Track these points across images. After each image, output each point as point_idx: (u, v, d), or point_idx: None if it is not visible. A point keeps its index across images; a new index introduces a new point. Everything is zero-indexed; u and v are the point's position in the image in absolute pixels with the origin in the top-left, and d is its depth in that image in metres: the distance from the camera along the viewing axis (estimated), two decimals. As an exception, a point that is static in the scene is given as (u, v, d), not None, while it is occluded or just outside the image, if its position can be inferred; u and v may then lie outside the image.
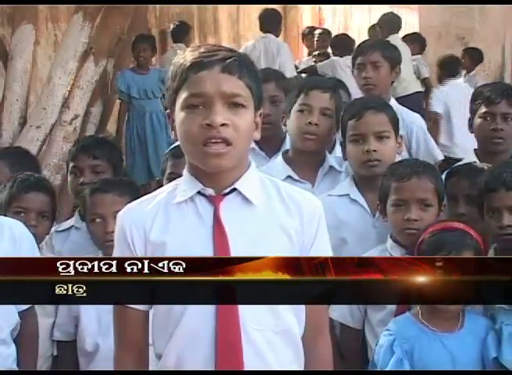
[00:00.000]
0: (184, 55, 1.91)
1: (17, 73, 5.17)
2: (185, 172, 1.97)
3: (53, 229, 3.29)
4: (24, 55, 5.21)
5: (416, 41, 8.58)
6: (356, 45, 4.51)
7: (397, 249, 2.76)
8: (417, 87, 7.92)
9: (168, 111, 1.97)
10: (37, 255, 2.79)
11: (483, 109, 3.26)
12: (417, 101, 7.71)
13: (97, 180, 3.13)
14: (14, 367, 2.63)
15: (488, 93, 3.29)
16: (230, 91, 1.86)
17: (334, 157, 3.27)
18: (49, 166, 4.99)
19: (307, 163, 3.14)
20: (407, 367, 2.47)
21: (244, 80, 1.88)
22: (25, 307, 2.69)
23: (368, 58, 4.00)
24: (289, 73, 7.15)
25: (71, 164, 3.30)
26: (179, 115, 1.89)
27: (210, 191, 1.91)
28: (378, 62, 3.98)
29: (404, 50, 7.96)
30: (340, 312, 2.82)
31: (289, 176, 3.09)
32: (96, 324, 2.87)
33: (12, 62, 5.21)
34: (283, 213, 1.94)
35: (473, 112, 3.34)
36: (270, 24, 7.55)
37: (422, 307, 2.56)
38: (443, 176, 3.00)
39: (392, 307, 2.70)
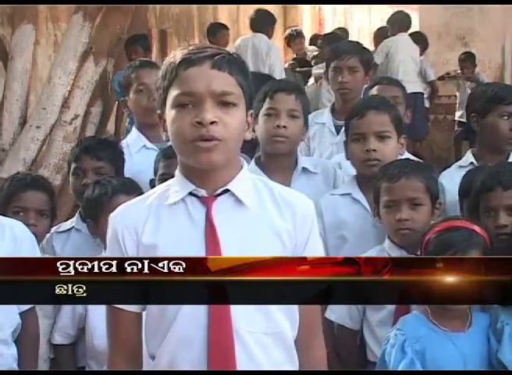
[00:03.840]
0: (174, 54, 1.91)
1: (17, 73, 5.17)
2: (177, 173, 1.96)
3: (53, 229, 3.28)
4: (24, 55, 5.20)
5: (419, 41, 8.55)
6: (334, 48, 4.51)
7: (395, 249, 2.76)
8: (419, 88, 7.88)
9: (158, 112, 1.96)
10: (38, 254, 2.79)
11: (502, 109, 3.24)
12: (417, 102, 7.67)
13: (113, 179, 3.09)
14: (15, 367, 2.63)
15: (506, 93, 3.27)
16: (221, 89, 1.85)
17: (307, 159, 3.26)
18: (49, 166, 4.98)
19: (279, 167, 3.12)
20: (418, 368, 2.46)
21: (235, 77, 1.88)
22: (26, 308, 2.69)
23: (345, 62, 4.03)
24: (278, 74, 7.15)
25: (73, 165, 3.27)
26: (170, 113, 1.88)
27: (202, 192, 1.91)
28: (355, 68, 4.02)
29: (413, 49, 7.93)
30: (338, 314, 2.82)
31: None
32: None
33: (12, 62, 5.20)
34: (276, 215, 1.93)
35: (479, 111, 3.32)
36: (262, 25, 7.51)
37: (431, 306, 2.55)
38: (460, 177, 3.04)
39: (392, 307, 2.70)
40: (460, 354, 2.48)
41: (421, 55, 8.54)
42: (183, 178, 1.93)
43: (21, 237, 2.67)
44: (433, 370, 2.48)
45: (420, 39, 8.60)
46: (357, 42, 5.05)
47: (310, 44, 9.91)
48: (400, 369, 2.46)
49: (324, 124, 4.00)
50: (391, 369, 2.49)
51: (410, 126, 4.00)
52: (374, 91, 3.75)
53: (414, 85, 7.74)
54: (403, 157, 3.11)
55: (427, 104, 8.62)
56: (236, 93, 1.88)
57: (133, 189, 2.93)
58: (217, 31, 8.05)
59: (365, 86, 4.07)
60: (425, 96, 8.64)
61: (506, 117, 3.24)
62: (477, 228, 2.55)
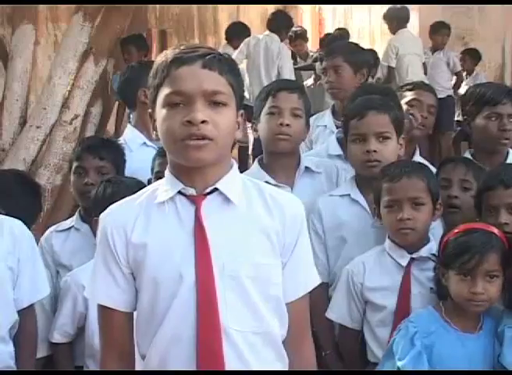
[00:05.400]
0: (166, 54, 1.93)
1: (17, 73, 5.15)
2: (167, 172, 1.97)
3: (53, 228, 3.30)
4: (24, 55, 5.19)
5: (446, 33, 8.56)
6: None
7: (395, 249, 2.76)
8: None
9: (149, 110, 1.97)
10: (37, 254, 2.79)
11: (489, 110, 3.26)
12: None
13: (124, 179, 3.11)
14: (12, 365, 2.64)
15: (491, 94, 3.29)
16: (212, 89, 1.86)
17: (310, 158, 3.26)
18: (49, 166, 4.97)
19: (282, 166, 3.12)
20: (425, 361, 2.49)
21: (225, 76, 1.89)
22: (24, 306, 2.70)
23: (330, 62, 4.10)
24: (287, 75, 7.21)
25: (75, 164, 3.28)
26: (161, 112, 1.89)
27: (191, 191, 1.92)
28: (339, 67, 4.06)
29: (416, 44, 7.90)
30: (339, 313, 2.82)
31: (266, 182, 3.07)
32: None
33: (12, 62, 5.18)
34: (264, 214, 1.95)
35: (469, 113, 3.34)
36: (278, 27, 7.59)
37: (446, 304, 2.58)
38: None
39: (392, 307, 2.71)
40: (466, 354, 2.50)
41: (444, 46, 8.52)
42: (173, 177, 1.94)
43: (20, 236, 2.68)
44: (433, 370, 2.49)
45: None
46: (350, 42, 5.06)
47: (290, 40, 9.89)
48: (406, 360, 2.48)
49: (325, 126, 4.00)
50: (397, 358, 2.51)
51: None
52: (411, 94, 3.69)
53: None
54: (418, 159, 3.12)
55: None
56: (227, 92, 1.89)
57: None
58: (240, 35, 8.03)
59: (356, 86, 4.05)
60: (452, 82, 8.65)
61: (494, 118, 3.26)
62: (495, 230, 2.57)
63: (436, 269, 2.64)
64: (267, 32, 7.64)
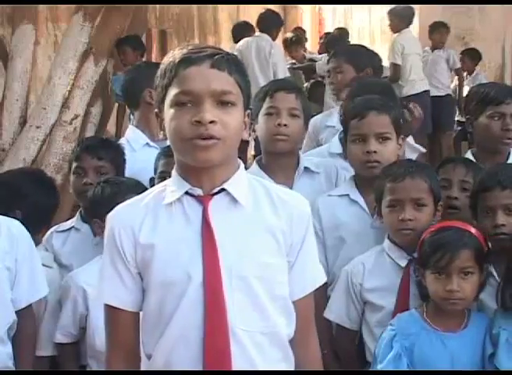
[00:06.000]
0: (173, 54, 1.93)
1: (17, 73, 5.17)
2: (173, 172, 1.97)
3: (53, 229, 3.30)
4: (24, 55, 5.21)
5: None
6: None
7: (395, 250, 2.76)
8: (425, 86, 7.80)
9: (156, 110, 1.97)
10: (35, 254, 2.79)
11: (492, 110, 3.27)
12: (424, 101, 7.55)
13: (123, 179, 3.11)
14: (11, 365, 2.64)
15: (495, 94, 3.29)
16: (220, 89, 1.86)
17: (309, 158, 3.27)
18: (49, 166, 4.98)
19: (281, 166, 3.12)
20: (405, 363, 2.50)
21: (234, 76, 1.90)
22: (22, 306, 2.70)
23: (333, 64, 4.17)
24: (281, 73, 7.22)
25: (74, 164, 3.29)
26: (169, 112, 1.89)
27: (198, 191, 1.92)
28: (339, 68, 4.12)
29: (417, 45, 7.93)
30: (337, 314, 2.82)
31: None
32: None
33: (12, 62, 5.20)
34: (271, 214, 1.95)
35: (472, 113, 3.35)
36: (268, 26, 7.60)
37: (428, 305, 2.58)
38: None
39: (391, 308, 2.71)
40: (448, 353, 2.50)
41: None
42: (180, 178, 1.94)
43: (18, 236, 2.68)
44: (432, 370, 2.50)
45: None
46: (354, 44, 5.06)
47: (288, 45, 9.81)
48: (386, 362, 2.50)
49: (334, 127, 4.00)
50: (379, 362, 2.53)
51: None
52: None
53: (422, 83, 7.71)
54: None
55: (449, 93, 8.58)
56: (235, 92, 1.89)
57: (144, 190, 2.94)
58: (246, 34, 8.03)
59: None
60: (453, 85, 8.65)
61: (496, 118, 3.26)
62: (472, 229, 2.57)
63: (416, 271, 2.64)
64: (257, 33, 7.66)
